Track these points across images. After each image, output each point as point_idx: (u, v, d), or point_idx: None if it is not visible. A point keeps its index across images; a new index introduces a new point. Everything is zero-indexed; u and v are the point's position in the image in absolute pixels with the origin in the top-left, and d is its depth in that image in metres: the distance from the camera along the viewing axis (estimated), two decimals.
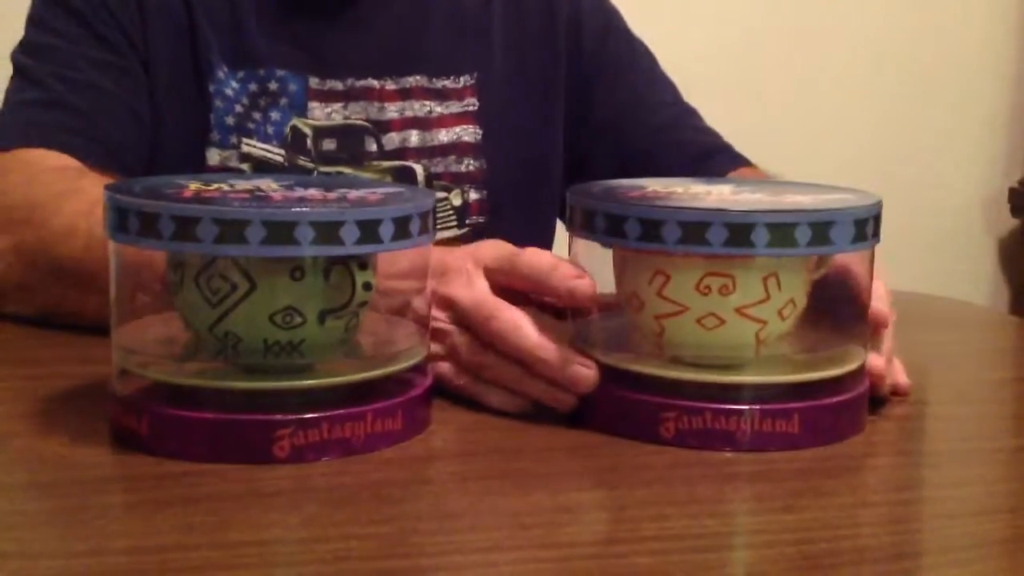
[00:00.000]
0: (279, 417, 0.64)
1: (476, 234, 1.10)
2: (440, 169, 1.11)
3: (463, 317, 0.72)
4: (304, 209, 0.62)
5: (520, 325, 0.70)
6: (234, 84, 1.06)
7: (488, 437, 0.70)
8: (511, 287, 0.73)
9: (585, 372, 0.70)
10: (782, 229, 0.66)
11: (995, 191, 2.25)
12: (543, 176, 1.16)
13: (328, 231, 0.62)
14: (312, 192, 0.68)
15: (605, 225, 0.69)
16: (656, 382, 0.70)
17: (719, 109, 2.06)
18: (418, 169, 1.10)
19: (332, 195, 0.67)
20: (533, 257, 0.73)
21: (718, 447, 0.68)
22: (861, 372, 0.73)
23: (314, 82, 1.08)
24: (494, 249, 0.75)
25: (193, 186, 0.68)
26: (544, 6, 1.18)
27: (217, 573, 0.52)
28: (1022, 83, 2.25)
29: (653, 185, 0.76)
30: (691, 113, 1.24)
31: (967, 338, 1.03)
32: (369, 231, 0.63)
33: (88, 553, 0.54)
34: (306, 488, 0.61)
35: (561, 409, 0.71)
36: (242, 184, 0.70)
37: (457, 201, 1.11)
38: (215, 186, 0.69)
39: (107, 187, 0.66)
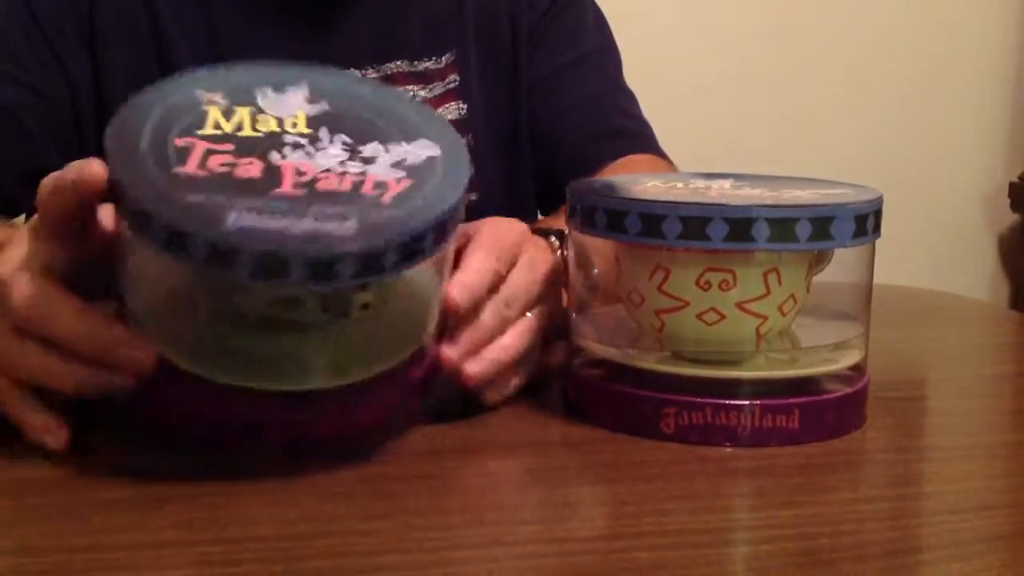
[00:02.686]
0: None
1: (468, 212, 1.10)
2: None
3: None
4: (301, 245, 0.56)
5: (55, 301, 0.61)
6: None
7: (486, 432, 0.70)
8: (58, 225, 0.62)
9: (140, 356, 0.60)
10: (783, 224, 0.66)
11: (995, 186, 2.24)
12: (518, 147, 1.16)
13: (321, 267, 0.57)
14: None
15: (606, 220, 0.68)
16: (656, 377, 0.70)
17: (721, 105, 2.06)
18: None
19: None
20: (54, 174, 0.62)
21: (719, 442, 0.67)
22: (861, 367, 0.73)
23: None
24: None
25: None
26: None
27: (216, 569, 0.52)
28: (1022, 78, 2.25)
29: (653, 180, 0.76)
30: (620, 95, 1.21)
31: (967, 333, 1.03)
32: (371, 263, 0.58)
33: (87, 548, 0.54)
34: (305, 483, 0.61)
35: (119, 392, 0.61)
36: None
37: None
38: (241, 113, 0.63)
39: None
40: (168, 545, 0.54)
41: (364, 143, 0.64)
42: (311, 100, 0.66)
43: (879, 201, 0.70)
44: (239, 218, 0.58)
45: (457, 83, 1.12)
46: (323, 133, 0.64)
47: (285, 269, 0.56)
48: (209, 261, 0.56)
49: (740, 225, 0.65)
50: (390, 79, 1.09)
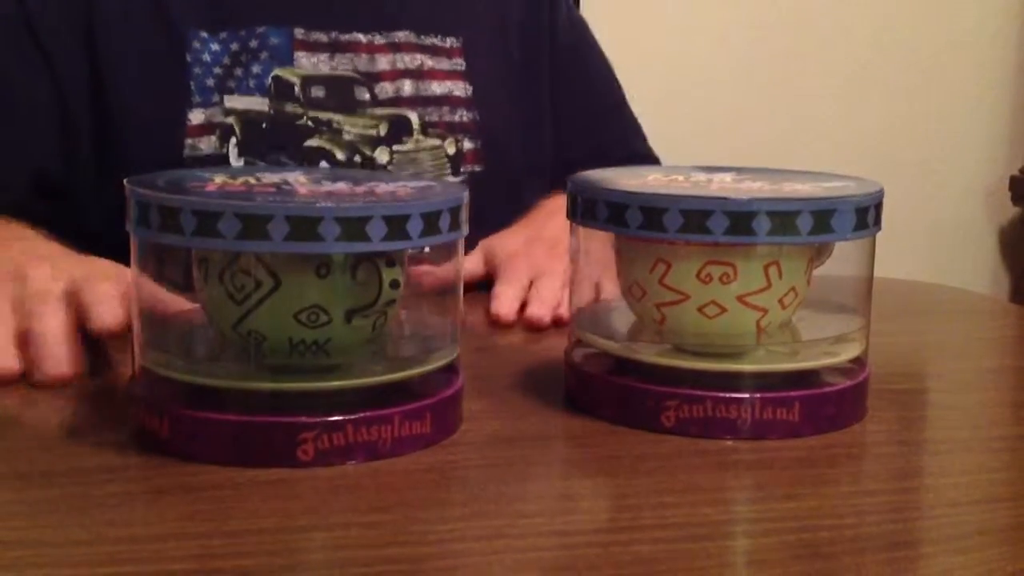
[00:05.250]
0: (303, 419, 0.62)
1: (473, 183, 1.12)
2: (435, 118, 1.12)
3: None
4: (329, 204, 0.60)
5: None
6: (214, 47, 1.05)
7: (488, 425, 0.70)
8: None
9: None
10: (783, 217, 0.66)
11: (996, 179, 2.25)
12: (535, 130, 1.19)
13: (354, 227, 0.60)
14: (340, 186, 0.66)
15: (607, 213, 0.68)
16: (657, 371, 0.70)
17: (722, 99, 2.06)
18: (413, 117, 1.10)
19: (360, 189, 0.65)
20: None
21: (719, 435, 0.68)
22: (862, 360, 0.73)
23: (299, 32, 1.08)
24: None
25: (218, 179, 0.67)
26: None
27: (217, 561, 0.52)
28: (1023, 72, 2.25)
29: (654, 173, 0.76)
30: (618, 101, 1.28)
31: (968, 326, 1.03)
32: (397, 227, 0.61)
33: (88, 542, 0.54)
34: (306, 476, 0.61)
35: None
36: (269, 177, 0.68)
37: (451, 149, 1.12)
38: (241, 179, 0.67)
39: (128, 181, 0.64)
40: (170, 538, 0.54)
41: (362, 183, 0.68)
42: (306, 173, 0.71)
43: (880, 194, 0.70)
44: (267, 198, 0.62)
45: (463, 68, 1.13)
46: (324, 181, 0.68)
47: (316, 229, 0.60)
48: (242, 234, 0.59)
49: (741, 218, 0.65)
50: (397, 47, 1.11)
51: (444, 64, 1.13)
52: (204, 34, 1.05)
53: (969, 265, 2.27)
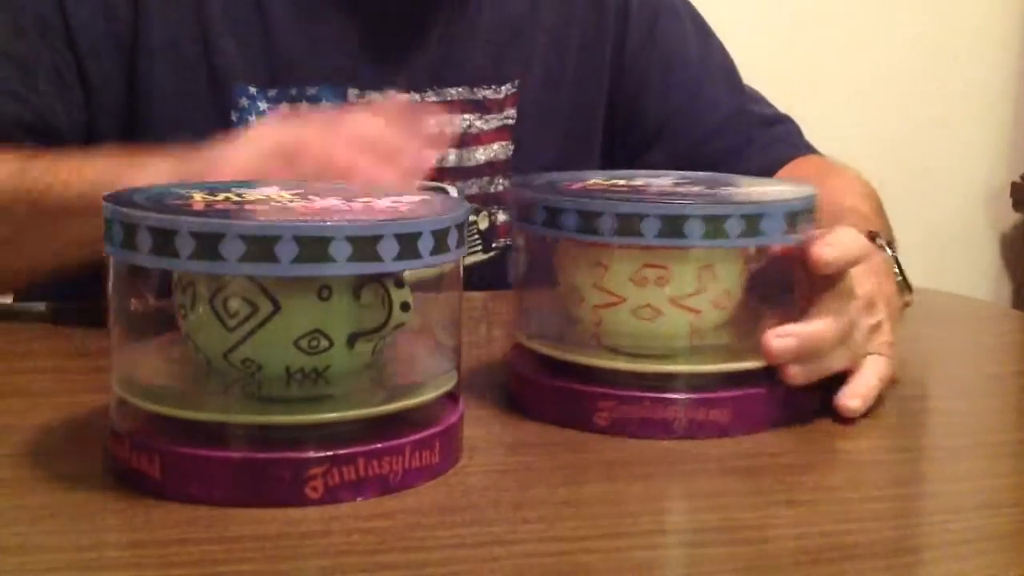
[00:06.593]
0: (311, 454, 0.57)
1: (504, 257, 1.09)
2: (474, 191, 1.08)
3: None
4: (340, 222, 0.56)
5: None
6: (262, 106, 1.01)
7: (488, 432, 0.70)
8: None
9: None
10: (714, 221, 0.67)
11: (998, 185, 2.25)
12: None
13: (366, 246, 0.56)
14: (333, 202, 0.62)
15: (544, 216, 0.69)
16: (593, 372, 0.70)
17: None
18: (452, 191, 1.06)
19: (356, 204, 0.61)
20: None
21: (653, 435, 0.68)
22: None
23: (353, 94, 1.03)
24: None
25: (198, 196, 0.62)
26: (593, 4, 1.13)
27: (218, 567, 0.52)
28: None
29: (595, 177, 0.77)
30: (748, 100, 1.19)
31: (969, 332, 1.03)
32: (408, 245, 0.57)
33: (89, 547, 0.54)
34: None
35: None
36: (250, 193, 0.64)
37: (484, 224, 1.09)
38: (222, 196, 0.62)
39: (108, 198, 0.59)
40: (171, 543, 0.54)
41: (355, 199, 0.64)
42: (285, 188, 0.66)
43: (812, 199, 0.71)
44: (270, 216, 0.58)
45: (513, 120, 1.09)
46: (311, 196, 0.64)
47: (327, 249, 0.55)
48: (246, 256, 0.55)
49: (673, 222, 0.66)
50: (449, 106, 1.06)
51: (493, 121, 1.08)
52: (253, 89, 1.00)
53: (970, 271, 2.27)
